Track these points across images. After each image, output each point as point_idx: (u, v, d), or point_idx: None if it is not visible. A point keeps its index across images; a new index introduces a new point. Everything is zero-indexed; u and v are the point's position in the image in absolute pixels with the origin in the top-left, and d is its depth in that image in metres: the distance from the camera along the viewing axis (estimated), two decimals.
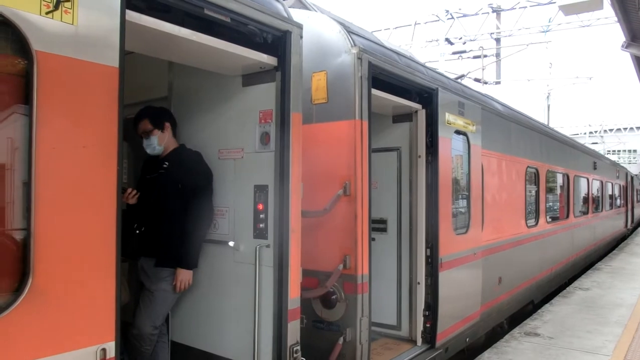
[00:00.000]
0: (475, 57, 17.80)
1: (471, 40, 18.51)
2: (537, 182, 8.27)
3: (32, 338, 1.91)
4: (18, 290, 1.88)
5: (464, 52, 18.04)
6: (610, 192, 16.27)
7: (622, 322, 6.81)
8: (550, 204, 9.51)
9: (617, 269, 11.55)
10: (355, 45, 3.87)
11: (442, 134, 4.86)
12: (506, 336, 6.17)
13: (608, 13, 15.61)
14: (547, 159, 8.91)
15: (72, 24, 1.99)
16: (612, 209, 16.50)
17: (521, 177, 7.48)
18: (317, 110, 4.00)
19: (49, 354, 1.95)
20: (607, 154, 41.48)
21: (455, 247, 5.12)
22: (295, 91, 3.17)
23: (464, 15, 18.47)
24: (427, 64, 6.04)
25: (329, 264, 3.89)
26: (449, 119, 5.03)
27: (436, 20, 17.95)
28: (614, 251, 15.39)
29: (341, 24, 4.12)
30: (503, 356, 5.39)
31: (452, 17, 18.13)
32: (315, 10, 4.52)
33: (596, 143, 47.31)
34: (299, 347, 3.17)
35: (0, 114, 1.96)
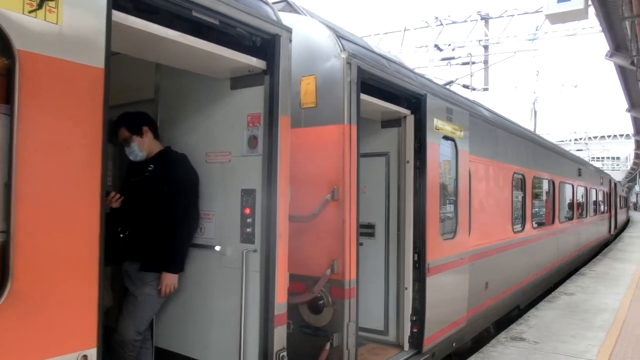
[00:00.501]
0: (463, 64, 18.03)
1: (460, 47, 18.74)
2: (523, 188, 8.36)
3: (11, 344, 1.86)
4: None
5: (453, 58, 18.26)
6: (594, 199, 16.52)
7: (605, 326, 6.89)
8: (536, 209, 9.61)
9: (601, 274, 11.71)
10: (344, 49, 3.88)
11: (430, 140, 4.88)
12: (492, 341, 6.20)
13: (593, 23, 15.91)
14: (534, 166, 9.02)
15: (57, 24, 1.95)
16: (596, 214, 16.75)
17: (508, 183, 7.55)
18: (306, 114, 3.99)
19: None
20: (592, 160, 42.23)
21: (442, 252, 5.12)
22: (283, 95, 3.15)
23: (453, 22, 18.69)
24: (416, 70, 6.08)
25: (317, 268, 3.87)
26: (437, 125, 5.05)
27: (425, 27, 18.13)
28: (598, 256, 15.60)
29: (331, 28, 4.12)
30: None
31: (441, 24, 18.32)
32: (305, 15, 4.52)
33: (581, 150, 48.23)
34: (285, 353, 3.15)
35: None
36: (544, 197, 10.39)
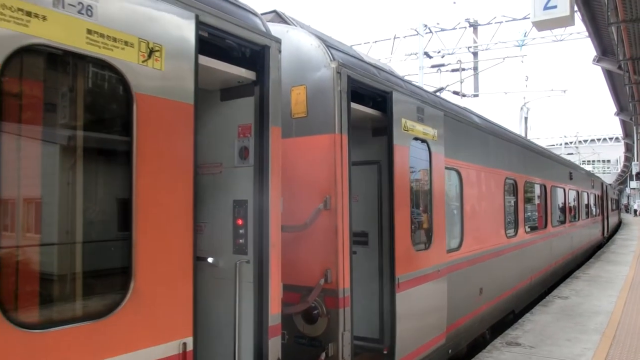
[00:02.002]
0: (453, 71, 18.21)
1: (449, 54, 18.94)
2: (515, 193, 8.39)
3: (132, 333, 2.23)
4: (122, 291, 2.22)
5: (443, 65, 18.43)
6: (586, 202, 16.64)
7: (600, 329, 6.92)
8: (529, 214, 9.65)
9: (594, 277, 11.77)
10: (334, 59, 3.90)
11: (398, 142, 4.58)
12: (488, 346, 6.20)
13: (580, 28, 16.18)
14: (525, 170, 9.07)
15: (161, 70, 2.41)
16: (588, 218, 16.86)
17: (500, 188, 7.57)
18: (297, 124, 4.00)
19: (144, 346, 2.27)
20: (582, 164, 42.64)
21: (415, 264, 4.77)
22: (274, 105, 3.17)
23: (442, 30, 18.91)
24: (406, 77, 6.07)
25: (310, 278, 3.86)
26: (406, 125, 4.75)
27: (415, 35, 18.29)
28: (591, 259, 15.70)
29: (320, 38, 4.14)
30: None
31: (431, 32, 18.52)
32: (295, 25, 4.55)
33: (571, 154, 48.75)
34: None
35: (109, 144, 2.44)
36: (536, 201, 10.45)
